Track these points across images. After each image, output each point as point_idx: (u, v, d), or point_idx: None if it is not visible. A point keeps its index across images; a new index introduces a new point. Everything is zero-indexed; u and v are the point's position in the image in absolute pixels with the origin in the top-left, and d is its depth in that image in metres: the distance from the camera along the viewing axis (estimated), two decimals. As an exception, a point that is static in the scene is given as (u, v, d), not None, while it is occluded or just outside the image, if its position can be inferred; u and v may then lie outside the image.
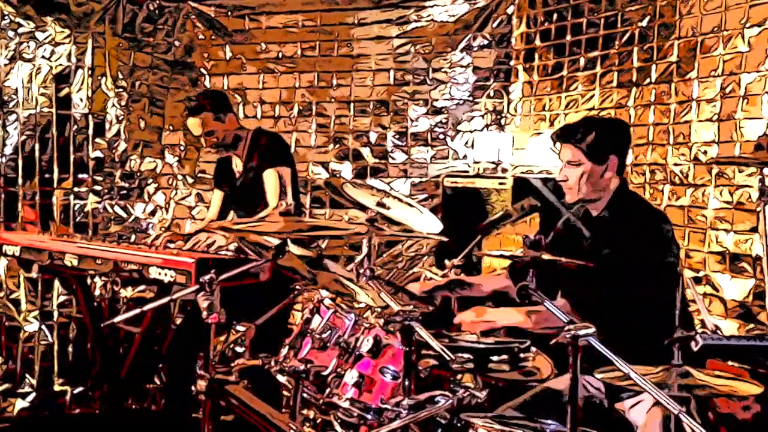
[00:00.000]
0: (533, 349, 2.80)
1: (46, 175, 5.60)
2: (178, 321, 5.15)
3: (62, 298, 5.46)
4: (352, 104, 6.02)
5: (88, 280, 4.97)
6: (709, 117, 4.48)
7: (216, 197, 4.72)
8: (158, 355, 4.72)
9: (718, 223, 4.36)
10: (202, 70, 6.15)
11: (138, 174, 6.00)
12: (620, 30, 5.06)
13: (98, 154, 5.79)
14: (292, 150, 5.55)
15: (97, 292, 5.45)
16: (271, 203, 4.25)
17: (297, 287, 3.22)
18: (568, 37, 5.36)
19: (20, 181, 5.52)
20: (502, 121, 5.76)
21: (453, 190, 5.31)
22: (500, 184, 5.11)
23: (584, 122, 3.21)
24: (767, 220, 3.45)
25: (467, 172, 5.66)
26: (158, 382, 5.38)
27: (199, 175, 6.10)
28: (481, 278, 3.76)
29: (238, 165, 4.53)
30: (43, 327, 5.39)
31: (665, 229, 3.05)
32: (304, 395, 2.68)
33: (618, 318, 2.74)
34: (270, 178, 4.29)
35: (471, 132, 5.84)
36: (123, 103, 5.88)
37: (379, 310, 2.68)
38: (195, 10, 6.10)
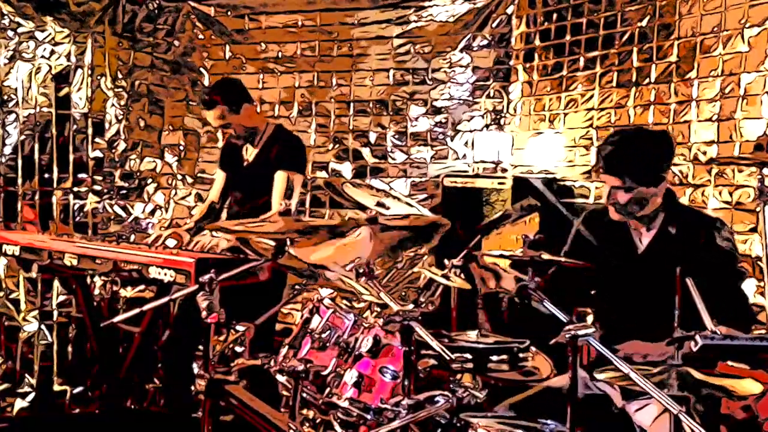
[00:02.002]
0: (533, 348, 2.79)
1: (46, 175, 5.59)
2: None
3: (62, 298, 5.45)
4: (351, 104, 6.02)
5: (88, 280, 4.96)
6: (708, 117, 4.49)
7: (218, 178, 4.68)
8: (158, 355, 4.72)
9: (718, 223, 4.36)
10: (202, 70, 6.15)
11: (138, 174, 6.00)
12: (620, 30, 5.06)
13: (98, 154, 5.79)
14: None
15: (96, 292, 5.45)
16: (274, 207, 4.23)
17: (297, 286, 3.22)
18: (568, 37, 5.36)
19: (20, 180, 5.52)
20: (502, 121, 5.76)
21: (453, 189, 5.31)
22: (500, 184, 5.11)
23: (633, 148, 2.88)
24: (767, 220, 3.45)
25: (467, 172, 5.66)
26: (158, 382, 5.37)
27: (199, 175, 6.10)
28: None
29: (249, 152, 4.48)
30: (43, 327, 5.38)
31: (729, 234, 2.95)
32: (304, 395, 2.68)
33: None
34: (280, 180, 4.26)
35: (471, 132, 5.84)
36: (122, 102, 5.87)
37: (378, 309, 2.68)
38: (195, 9, 6.10)
